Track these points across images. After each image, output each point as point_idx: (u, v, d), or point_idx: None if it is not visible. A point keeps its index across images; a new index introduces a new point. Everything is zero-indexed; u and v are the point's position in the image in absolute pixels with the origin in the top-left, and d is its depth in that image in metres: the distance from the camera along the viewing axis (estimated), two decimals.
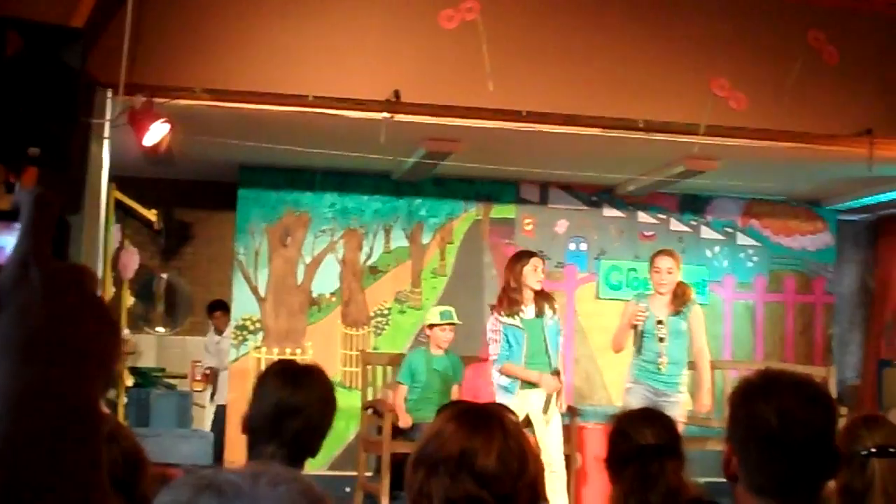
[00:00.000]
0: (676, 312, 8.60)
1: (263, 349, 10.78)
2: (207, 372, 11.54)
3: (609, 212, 11.71)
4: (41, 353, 1.02)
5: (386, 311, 11.17)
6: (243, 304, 10.96)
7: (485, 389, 8.98)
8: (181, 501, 1.11)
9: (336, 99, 8.02)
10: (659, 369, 8.46)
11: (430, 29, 8.04)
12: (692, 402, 8.92)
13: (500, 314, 8.47)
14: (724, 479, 2.73)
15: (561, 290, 11.05)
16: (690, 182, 10.60)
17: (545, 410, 8.34)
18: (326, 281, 11.10)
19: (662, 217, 11.80)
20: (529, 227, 11.51)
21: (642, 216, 11.75)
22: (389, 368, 9.63)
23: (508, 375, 8.39)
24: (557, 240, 11.41)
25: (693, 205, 11.87)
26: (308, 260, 11.08)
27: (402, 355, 9.45)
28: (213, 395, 11.64)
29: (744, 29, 8.57)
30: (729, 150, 9.05)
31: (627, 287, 11.09)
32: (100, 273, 7.87)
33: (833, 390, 10.14)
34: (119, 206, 9.46)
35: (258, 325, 10.93)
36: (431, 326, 9.16)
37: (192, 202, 11.98)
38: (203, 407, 11.70)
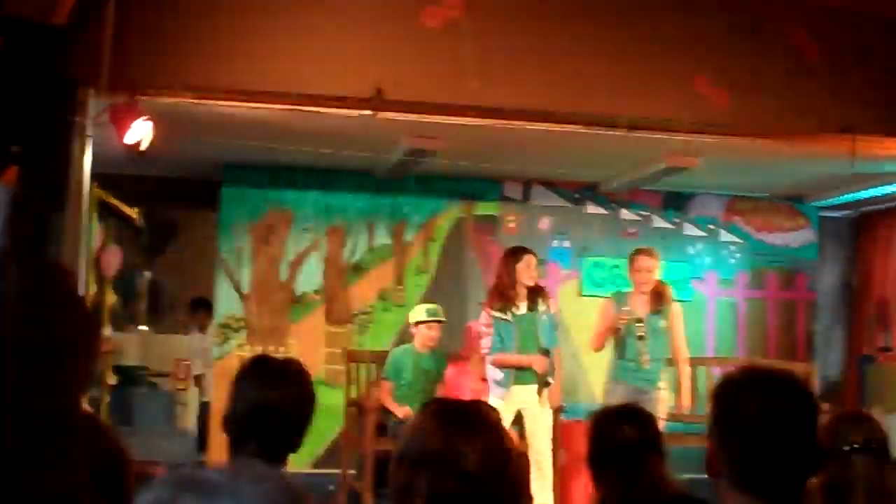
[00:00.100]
0: (656, 311, 8.65)
1: (247, 347, 10.75)
2: (197, 375, 11.52)
3: (592, 209, 11.72)
4: (19, 350, 1.01)
5: (369, 309, 11.16)
6: (227, 303, 10.93)
7: (467, 386, 8.98)
8: (162, 500, 1.11)
9: (319, 96, 8.01)
10: (640, 367, 8.50)
11: (413, 27, 8.03)
12: (672, 400, 8.97)
13: (492, 309, 8.48)
14: (706, 476, 2.74)
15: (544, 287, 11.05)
16: (673, 179, 10.60)
17: (539, 392, 8.35)
18: (310, 279, 11.09)
19: (645, 214, 11.82)
20: (512, 225, 11.51)
21: (625, 213, 11.77)
22: (374, 366, 9.62)
23: (502, 366, 8.38)
24: (540, 237, 11.40)
25: (676, 202, 11.89)
26: (291, 258, 11.06)
27: (386, 353, 9.44)
28: (200, 393, 11.61)
29: (725, 26, 8.57)
30: (711, 146, 9.06)
31: (611, 284, 11.10)
32: (82, 271, 7.83)
33: (815, 387, 10.18)
34: (101, 204, 9.43)
35: (241, 323, 10.91)
36: (417, 324, 9.15)
37: (174, 200, 11.94)
38: (185, 405, 11.69)
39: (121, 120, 7.58)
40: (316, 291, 11.09)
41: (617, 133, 8.69)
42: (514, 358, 8.37)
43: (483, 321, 8.57)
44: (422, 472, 2.30)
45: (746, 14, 8.65)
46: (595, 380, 10.64)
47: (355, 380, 9.61)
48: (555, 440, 8.59)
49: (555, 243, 11.58)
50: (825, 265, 12.54)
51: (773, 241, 12.14)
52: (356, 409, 9.25)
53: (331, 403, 9.47)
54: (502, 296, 8.44)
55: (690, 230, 11.94)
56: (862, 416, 3.65)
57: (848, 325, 12.69)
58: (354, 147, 9.03)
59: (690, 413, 8.87)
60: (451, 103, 8.21)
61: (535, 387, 8.36)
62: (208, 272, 11.29)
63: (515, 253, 8.58)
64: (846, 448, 3.36)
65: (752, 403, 2.64)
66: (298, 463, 10.27)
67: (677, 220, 11.92)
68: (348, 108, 8.11)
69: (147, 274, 12.18)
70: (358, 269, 11.19)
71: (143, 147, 7.72)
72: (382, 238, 11.25)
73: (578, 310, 11.13)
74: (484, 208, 11.49)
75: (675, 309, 8.85)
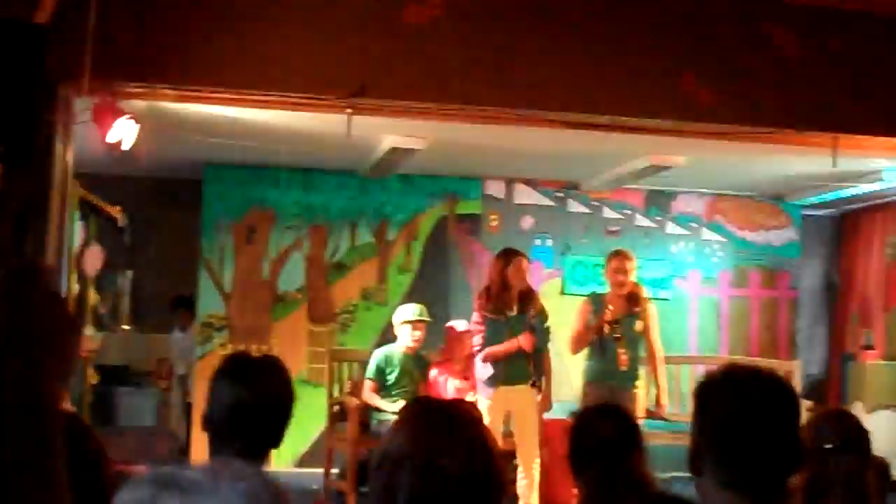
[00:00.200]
0: (632, 313, 8.71)
1: (230, 346, 10.72)
2: (180, 374, 11.48)
3: (574, 207, 11.74)
4: None
5: (352, 308, 11.16)
6: (209, 302, 10.92)
7: (450, 386, 8.96)
8: (143, 499, 1.10)
9: (301, 95, 7.99)
10: (617, 367, 8.55)
11: (395, 25, 8.02)
12: (649, 400, 9.04)
13: (483, 310, 8.48)
14: (686, 474, 2.74)
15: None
16: (656, 178, 10.63)
17: (537, 380, 8.36)
18: (292, 278, 11.08)
19: (628, 212, 11.84)
20: (495, 223, 11.52)
21: (608, 212, 11.79)
22: (356, 365, 9.61)
23: (494, 360, 8.36)
24: (523, 236, 11.41)
25: (658, 200, 11.91)
26: (274, 256, 11.06)
27: (369, 352, 9.42)
28: (184, 393, 11.56)
29: (709, 25, 8.58)
30: (694, 145, 9.08)
31: (593, 283, 11.11)
32: (63, 271, 7.81)
33: (798, 385, 10.21)
34: (83, 203, 9.40)
35: (224, 322, 10.90)
36: (403, 324, 9.12)
37: (157, 199, 11.90)
38: (169, 405, 11.65)
39: (103, 119, 7.56)
40: (298, 290, 11.09)
41: (600, 131, 8.70)
42: (502, 347, 8.37)
43: (474, 319, 8.56)
44: (402, 472, 2.29)
45: (730, 12, 8.66)
46: (578, 378, 10.65)
47: (338, 379, 9.60)
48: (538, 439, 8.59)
49: (537, 242, 11.59)
50: (807, 264, 12.57)
51: (755, 240, 12.17)
52: (339, 408, 9.24)
53: (313, 403, 9.47)
54: (494, 299, 8.45)
55: (673, 229, 11.97)
56: (843, 415, 3.66)
57: (830, 324, 12.73)
58: (336, 146, 9.01)
59: (670, 412, 8.93)
60: (433, 102, 8.19)
61: (524, 387, 8.36)
62: (191, 271, 11.26)
63: (507, 255, 8.58)
64: (827, 446, 3.37)
65: (734, 402, 2.65)
66: (282, 462, 10.28)
67: (660, 219, 11.94)
68: (330, 107, 8.09)
69: (129, 273, 12.11)
70: (340, 268, 11.18)
71: (125, 146, 7.70)
72: (365, 237, 11.25)
73: (561, 309, 11.12)
74: (466, 207, 11.49)
75: (651, 310, 8.92)
